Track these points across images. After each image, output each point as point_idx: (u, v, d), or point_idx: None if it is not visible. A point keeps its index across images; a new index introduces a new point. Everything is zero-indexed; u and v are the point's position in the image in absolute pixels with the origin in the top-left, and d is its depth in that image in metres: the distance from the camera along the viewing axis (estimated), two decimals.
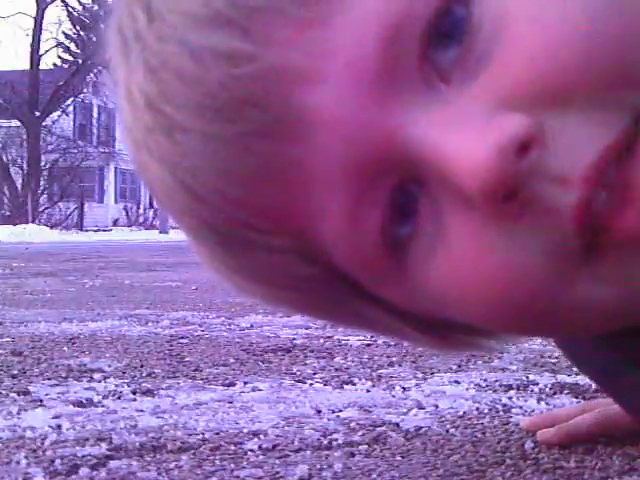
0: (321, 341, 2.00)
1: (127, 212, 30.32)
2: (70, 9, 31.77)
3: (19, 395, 1.35)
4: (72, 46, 34.68)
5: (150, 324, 2.37)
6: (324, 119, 0.42)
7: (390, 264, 0.45)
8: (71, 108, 28.82)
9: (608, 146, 0.40)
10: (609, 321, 0.46)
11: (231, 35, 0.42)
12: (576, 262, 0.42)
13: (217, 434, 1.09)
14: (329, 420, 1.16)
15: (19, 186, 25.39)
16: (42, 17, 27.27)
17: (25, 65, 27.65)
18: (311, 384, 1.45)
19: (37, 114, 25.73)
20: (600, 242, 0.41)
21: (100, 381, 1.48)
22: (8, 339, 2.05)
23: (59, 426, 1.13)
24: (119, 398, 1.33)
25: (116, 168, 31.09)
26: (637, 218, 0.40)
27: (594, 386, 1.39)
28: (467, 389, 1.38)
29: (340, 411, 1.22)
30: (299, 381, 1.48)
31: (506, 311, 0.44)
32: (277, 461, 0.96)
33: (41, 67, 27.71)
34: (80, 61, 29.69)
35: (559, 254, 0.42)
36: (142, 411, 1.23)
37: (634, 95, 0.40)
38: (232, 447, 1.02)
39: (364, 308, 0.51)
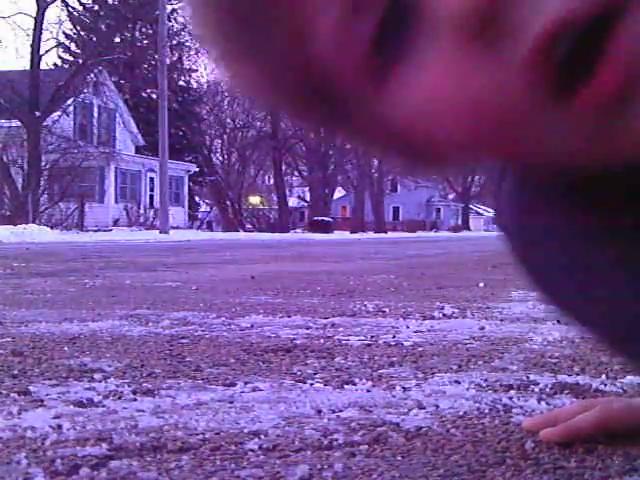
0: (321, 341, 2.00)
1: (127, 212, 30.32)
2: (70, 9, 31.79)
3: (20, 395, 1.35)
4: (72, 46, 34.69)
5: (150, 324, 2.37)
6: None
7: (375, 77, 0.50)
8: (71, 108, 28.83)
9: (572, 12, 0.43)
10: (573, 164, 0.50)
11: None
12: (543, 102, 0.46)
13: (217, 434, 1.09)
14: (329, 420, 1.16)
15: (19, 186, 25.39)
16: (42, 17, 27.27)
17: (25, 65, 27.67)
18: (311, 384, 1.45)
19: (37, 114, 25.73)
20: (569, 92, 0.45)
21: (100, 381, 1.48)
22: (8, 339, 2.05)
23: (60, 426, 1.13)
24: (119, 398, 1.33)
25: (116, 168, 31.09)
26: (610, 81, 0.44)
27: (594, 386, 1.40)
28: (467, 389, 1.38)
29: (340, 411, 1.22)
30: (299, 381, 1.48)
31: (474, 134, 0.49)
32: (277, 461, 0.97)
33: (41, 67, 27.71)
34: (80, 61, 29.69)
35: (525, 89, 0.46)
36: (142, 411, 1.23)
37: None
38: (232, 447, 1.02)
39: (348, 121, 0.55)
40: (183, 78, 39.24)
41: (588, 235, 0.66)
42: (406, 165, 0.60)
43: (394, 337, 2.06)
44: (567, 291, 0.73)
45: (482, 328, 2.24)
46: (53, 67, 32.33)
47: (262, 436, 1.07)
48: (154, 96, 32.32)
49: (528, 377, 1.48)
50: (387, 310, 2.74)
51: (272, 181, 42.59)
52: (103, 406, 1.27)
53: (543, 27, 0.43)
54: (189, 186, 37.63)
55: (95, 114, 31.38)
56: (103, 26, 33.02)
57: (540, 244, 0.71)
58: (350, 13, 0.48)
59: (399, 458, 0.97)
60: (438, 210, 61.94)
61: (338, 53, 0.50)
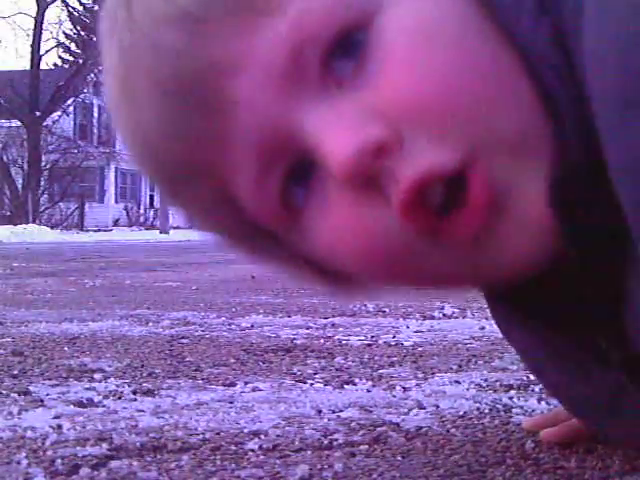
0: (321, 341, 2.00)
1: (128, 212, 30.32)
2: (70, 9, 31.77)
3: (20, 395, 1.35)
4: (72, 46, 34.68)
5: (151, 324, 2.37)
6: (242, 103, 0.56)
7: (289, 221, 0.60)
8: (72, 108, 28.82)
9: (438, 166, 0.54)
10: (465, 284, 0.67)
11: (182, 36, 0.56)
12: (419, 240, 0.56)
13: (218, 434, 1.09)
14: (330, 420, 1.16)
15: (20, 186, 25.39)
16: (42, 17, 27.28)
17: (25, 65, 27.67)
18: (312, 384, 1.45)
19: (38, 114, 25.73)
20: (441, 225, 0.56)
21: (101, 381, 1.48)
22: (9, 339, 2.05)
23: (60, 426, 1.13)
24: (120, 398, 1.33)
25: (117, 168, 31.09)
26: (464, 223, 0.55)
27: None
28: (468, 389, 1.38)
29: (341, 411, 1.22)
30: (300, 381, 1.48)
31: (366, 268, 0.60)
32: (278, 461, 0.97)
33: (42, 67, 27.72)
34: (81, 61, 29.69)
35: (403, 233, 0.56)
36: (143, 411, 1.23)
37: (474, 133, 0.54)
38: (233, 447, 1.02)
39: (275, 251, 0.66)
40: None
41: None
42: (331, 290, 0.71)
43: (394, 337, 2.06)
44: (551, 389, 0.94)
45: (482, 328, 2.24)
46: (53, 67, 32.31)
47: (262, 436, 1.07)
48: None
49: (528, 377, 1.48)
50: (387, 310, 2.74)
51: None
52: (103, 406, 1.27)
53: (413, 179, 0.54)
54: None
55: (95, 114, 31.35)
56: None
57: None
58: (260, 173, 0.59)
59: (399, 458, 0.97)
60: None
61: (256, 204, 0.60)
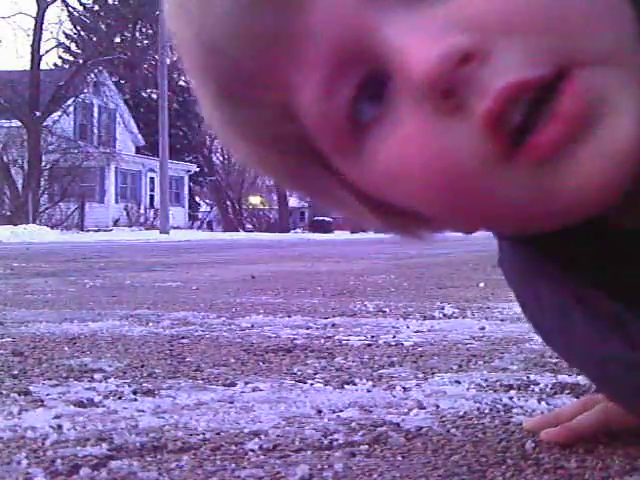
0: (322, 341, 2.00)
1: (128, 212, 30.32)
2: (70, 9, 31.77)
3: (20, 395, 1.35)
4: (73, 46, 34.68)
5: (151, 324, 2.37)
6: (321, 2, 0.54)
7: (352, 139, 0.57)
8: (72, 108, 28.83)
9: (529, 77, 0.51)
10: (527, 220, 0.58)
11: None
12: (494, 160, 0.53)
13: (218, 434, 1.09)
14: (330, 420, 1.16)
15: (20, 186, 25.40)
16: (43, 17, 27.27)
17: (26, 65, 27.67)
18: (312, 384, 1.45)
19: (38, 114, 25.73)
20: (517, 150, 0.52)
21: (101, 381, 1.48)
22: (9, 339, 2.05)
23: (60, 426, 1.13)
24: (120, 398, 1.33)
25: (117, 168, 31.09)
26: (547, 139, 0.52)
27: (594, 386, 1.39)
28: (468, 389, 1.38)
29: (341, 411, 1.22)
30: (300, 381, 1.48)
31: (432, 192, 0.56)
32: (278, 461, 0.96)
33: (42, 67, 27.71)
34: (80, 61, 29.69)
35: (480, 151, 0.53)
36: (143, 411, 1.23)
37: (565, 47, 0.51)
38: (233, 447, 1.02)
39: (330, 183, 0.62)
40: (183, 78, 39.22)
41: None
42: (385, 226, 0.66)
43: (394, 337, 2.06)
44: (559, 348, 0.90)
45: (482, 328, 2.24)
46: (53, 67, 32.32)
47: (262, 436, 1.07)
48: (154, 96, 32.31)
49: (528, 377, 1.48)
50: (387, 310, 2.74)
51: (272, 181, 42.58)
52: (103, 406, 1.27)
53: (502, 88, 0.51)
54: (189, 186, 37.64)
55: (95, 114, 31.37)
56: (103, 26, 33.02)
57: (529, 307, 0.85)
58: (331, 81, 0.55)
59: (399, 458, 0.97)
60: None
61: (322, 119, 0.57)
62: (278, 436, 1.08)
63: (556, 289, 0.78)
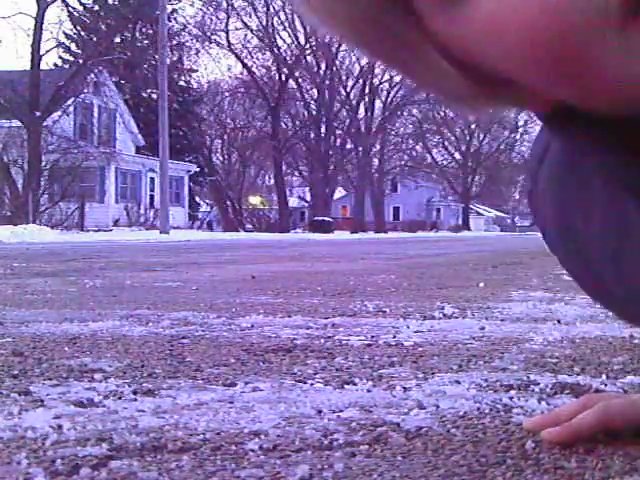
0: (322, 341, 2.00)
1: (128, 212, 30.33)
2: (70, 9, 31.78)
3: (20, 395, 1.35)
4: (72, 46, 34.69)
5: (151, 324, 2.37)
6: None
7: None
8: (72, 108, 28.84)
9: None
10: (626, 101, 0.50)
11: None
12: (614, 22, 0.46)
13: (218, 434, 1.09)
14: (330, 420, 1.16)
15: (20, 186, 25.40)
16: (43, 17, 27.26)
17: (26, 65, 27.66)
18: (312, 384, 1.45)
19: (38, 114, 25.73)
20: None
21: (101, 381, 1.48)
22: (9, 339, 2.05)
23: (60, 426, 1.13)
24: (120, 398, 1.33)
25: (117, 168, 31.10)
26: None
27: (594, 386, 1.39)
28: (468, 389, 1.38)
29: (341, 411, 1.22)
30: (300, 381, 1.48)
31: (544, 51, 0.48)
32: (278, 461, 0.96)
33: (42, 67, 27.70)
34: (81, 61, 29.69)
35: (599, 7, 0.45)
36: (143, 411, 1.23)
37: None
38: (233, 447, 1.02)
39: (418, 40, 0.53)
40: (183, 78, 39.23)
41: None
42: (467, 95, 0.56)
43: (394, 337, 2.06)
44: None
45: (482, 328, 2.24)
46: (53, 67, 32.32)
47: (262, 436, 1.07)
48: (154, 96, 32.30)
49: (528, 377, 1.48)
50: (387, 310, 2.74)
51: (272, 181, 42.61)
52: (103, 406, 1.27)
53: None
54: (189, 186, 37.64)
55: (95, 114, 31.39)
56: (103, 26, 33.02)
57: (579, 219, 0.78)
58: None
59: (399, 458, 0.97)
60: (438, 210, 61.92)
61: None
62: (278, 436, 1.08)
63: (613, 182, 0.70)
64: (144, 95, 36.27)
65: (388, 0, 0.52)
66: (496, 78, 0.53)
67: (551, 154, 0.79)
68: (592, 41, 0.47)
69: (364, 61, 39.15)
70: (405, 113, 47.70)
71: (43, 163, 26.25)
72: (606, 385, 1.39)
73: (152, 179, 32.75)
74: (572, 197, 0.79)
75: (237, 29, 40.49)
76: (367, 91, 44.57)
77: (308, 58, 42.00)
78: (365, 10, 0.52)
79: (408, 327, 2.28)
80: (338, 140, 43.46)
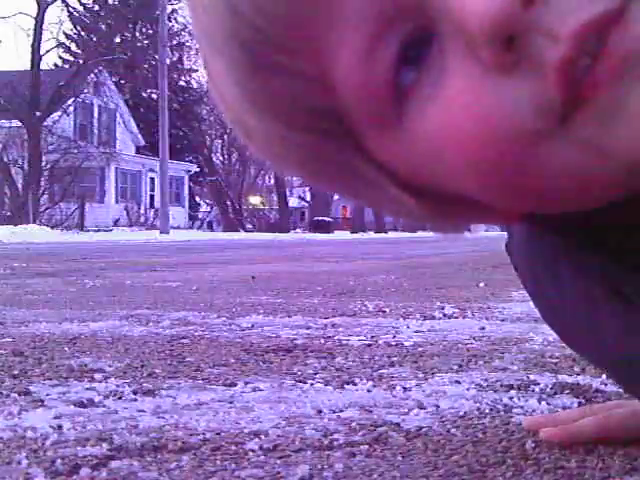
0: (322, 341, 2.00)
1: (128, 212, 30.33)
2: (71, 9, 31.78)
3: (20, 395, 1.35)
4: (73, 46, 34.69)
5: (151, 324, 2.37)
6: None
7: (392, 107, 0.50)
8: (72, 108, 28.83)
9: (599, 14, 0.44)
10: (580, 194, 0.50)
11: None
12: (554, 121, 0.46)
13: (218, 434, 1.09)
14: (330, 420, 1.16)
15: (20, 186, 25.40)
16: (43, 17, 27.27)
17: (26, 65, 27.67)
18: (312, 384, 1.45)
19: (38, 114, 25.74)
20: (577, 102, 0.46)
21: (101, 381, 1.48)
22: (9, 339, 2.05)
23: (60, 426, 1.13)
24: (120, 398, 1.33)
25: (117, 168, 31.10)
26: (608, 81, 0.45)
27: (594, 386, 1.39)
28: (468, 389, 1.38)
29: (341, 411, 1.22)
30: (300, 381, 1.48)
31: (486, 161, 0.48)
32: (278, 461, 0.97)
33: (42, 67, 27.72)
34: (81, 61, 29.70)
35: (540, 109, 0.46)
36: (143, 411, 1.23)
37: None
38: (233, 447, 1.02)
39: (364, 168, 0.55)
40: (183, 78, 39.25)
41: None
42: (422, 215, 0.58)
43: (394, 337, 2.06)
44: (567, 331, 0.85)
45: (482, 328, 2.24)
46: (53, 67, 32.33)
47: (262, 436, 1.07)
48: (154, 96, 32.31)
49: (528, 377, 1.48)
50: (387, 310, 2.74)
51: (272, 181, 42.61)
52: (103, 406, 1.27)
53: (573, 34, 0.44)
54: (189, 186, 37.65)
55: (95, 114, 31.38)
56: (103, 26, 33.03)
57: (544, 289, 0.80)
58: (373, 41, 0.48)
59: (399, 458, 0.97)
60: None
61: (362, 84, 0.50)
62: (278, 436, 1.08)
63: (580, 272, 0.73)
64: (144, 95, 36.27)
65: (339, 138, 0.53)
66: (448, 196, 0.54)
67: (517, 228, 0.80)
68: (537, 140, 0.47)
69: None
70: None
71: (43, 163, 26.26)
72: (606, 385, 1.39)
73: (152, 179, 32.75)
74: (542, 271, 0.79)
75: None
76: None
77: None
78: (320, 150, 0.54)
79: (408, 327, 2.28)
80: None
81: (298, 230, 37.26)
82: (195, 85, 40.48)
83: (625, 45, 0.44)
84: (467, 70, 0.47)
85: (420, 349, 1.86)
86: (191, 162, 37.12)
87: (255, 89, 0.53)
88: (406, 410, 1.22)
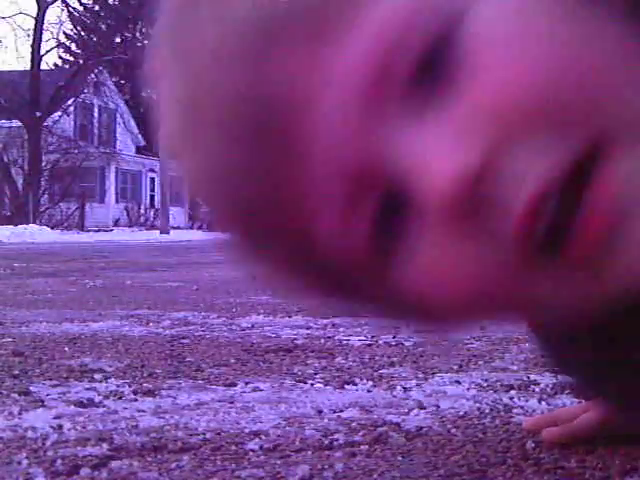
0: (322, 341, 2.00)
1: (128, 212, 30.32)
2: (71, 9, 31.77)
3: (20, 395, 1.35)
4: (73, 46, 34.69)
5: (151, 324, 2.37)
6: (322, 136, 0.49)
7: (376, 261, 0.52)
8: (72, 108, 28.82)
9: (553, 176, 0.46)
10: (562, 314, 0.54)
11: (243, 74, 0.50)
12: (527, 272, 0.49)
13: (218, 434, 1.09)
14: (330, 420, 1.16)
15: (20, 186, 25.40)
16: (43, 17, 27.27)
17: (26, 65, 27.66)
18: (312, 384, 1.45)
19: (38, 114, 25.73)
20: (550, 256, 0.48)
21: (101, 381, 1.48)
22: (9, 339, 2.05)
23: (60, 426, 1.13)
24: (120, 398, 1.33)
25: (117, 168, 31.09)
26: (585, 240, 0.47)
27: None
28: (468, 389, 1.38)
29: (341, 411, 1.22)
30: (300, 381, 1.48)
31: (464, 308, 0.52)
32: (278, 461, 0.97)
33: (42, 67, 27.70)
34: (81, 61, 29.70)
35: (509, 265, 0.49)
36: (143, 411, 1.23)
37: (582, 134, 0.46)
38: (233, 447, 1.02)
39: (358, 294, 0.58)
40: None
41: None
42: (416, 326, 0.65)
43: (394, 337, 2.06)
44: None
45: (482, 328, 2.24)
46: (53, 67, 32.33)
47: (263, 436, 1.07)
48: (154, 96, 32.20)
49: (529, 377, 1.48)
50: None
51: None
52: (104, 406, 1.27)
53: (525, 203, 0.46)
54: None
55: (95, 114, 31.37)
56: (103, 26, 33.03)
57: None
58: (347, 212, 0.51)
59: (400, 458, 0.97)
60: None
61: (339, 245, 0.53)
62: (278, 436, 1.08)
63: None
64: (144, 95, 36.19)
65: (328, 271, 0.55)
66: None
67: None
68: (517, 286, 0.50)
69: None
70: None
71: (43, 163, 26.25)
72: None
73: (152, 179, 32.74)
74: None
75: None
76: None
77: None
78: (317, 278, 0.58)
79: (408, 327, 2.27)
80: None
81: None
82: None
83: (608, 198, 0.46)
84: (439, 231, 0.49)
85: (420, 349, 1.86)
86: None
87: (236, 240, 0.58)
88: (406, 410, 1.22)
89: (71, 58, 34.08)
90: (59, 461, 0.96)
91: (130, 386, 1.43)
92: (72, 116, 29.36)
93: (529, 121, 0.47)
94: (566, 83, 0.46)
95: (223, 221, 0.58)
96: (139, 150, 34.33)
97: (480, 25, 0.48)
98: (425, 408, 1.23)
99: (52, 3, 28.30)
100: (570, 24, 0.48)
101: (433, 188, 0.47)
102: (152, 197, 32.85)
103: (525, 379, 1.46)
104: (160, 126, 0.57)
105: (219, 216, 0.57)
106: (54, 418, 1.19)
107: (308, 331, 2.20)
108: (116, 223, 29.02)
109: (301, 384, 1.45)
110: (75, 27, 33.51)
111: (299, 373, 1.56)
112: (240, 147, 0.51)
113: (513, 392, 1.35)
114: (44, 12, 27.26)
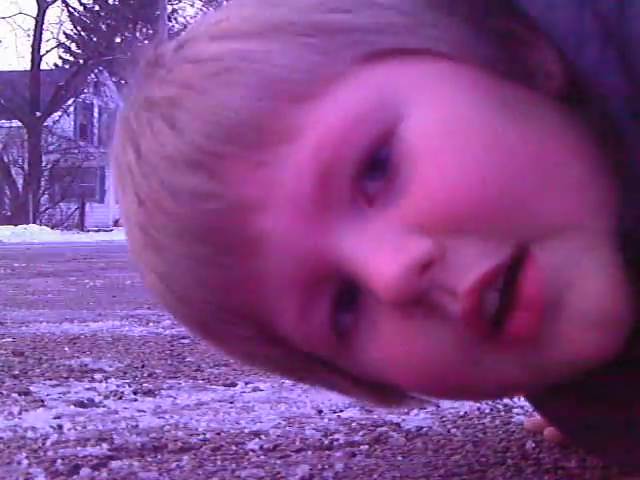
0: None
1: None
2: (71, 9, 31.77)
3: (20, 395, 1.35)
4: (73, 46, 34.67)
5: (151, 324, 2.37)
6: (273, 240, 0.53)
7: (338, 346, 0.57)
8: (72, 108, 28.82)
9: (491, 268, 0.51)
10: (521, 388, 0.65)
11: (199, 177, 0.53)
12: (478, 348, 0.54)
13: (218, 434, 1.09)
14: (330, 420, 1.16)
15: (20, 186, 25.40)
16: (43, 17, 27.29)
17: (26, 65, 27.68)
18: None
19: (38, 114, 25.74)
20: (497, 333, 0.53)
21: (101, 381, 1.48)
22: (9, 339, 2.05)
23: (60, 426, 1.13)
24: (120, 398, 1.33)
25: None
26: (518, 326, 0.52)
27: None
28: None
29: (341, 411, 1.22)
30: None
31: (425, 385, 0.58)
32: (278, 461, 0.96)
33: (42, 67, 27.71)
34: (81, 61, 29.69)
35: (460, 343, 0.54)
36: (143, 411, 1.23)
37: (519, 228, 0.52)
38: (233, 447, 1.02)
39: (325, 375, 0.65)
40: None
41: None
42: (382, 403, 0.74)
43: None
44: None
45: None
46: (54, 67, 32.31)
47: (263, 436, 1.07)
48: None
49: None
50: None
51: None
52: (104, 406, 1.27)
53: (469, 286, 0.51)
54: None
55: (95, 114, 31.36)
56: (103, 26, 33.02)
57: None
58: (304, 307, 0.56)
59: (400, 458, 0.97)
60: None
61: (302, 336, 0.58)
62: (279, 436, 1.08)
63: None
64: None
65: (295, 356, 0.63)
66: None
67: None
68: (466, 364, 0.55)
69: None
70: None
71: (43, 163, 26.25)
72: None
73: None
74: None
75: None
76: None
77: None
78: (284, 364, 0.66)
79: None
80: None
81: None
82: None
83: (534, 290, 0.51)
84: (391, 318, 0.54)
85: None
86: None
87: (214, 344, 0.66)
88: (406, 410, 1.22)
89: (71, 58, 34.04)
90: (59, 461, 0.96)
91: (130, 386, 1.43)
92: (72, 116, 29.36)
93: (462, 223, 0.51)
94: (488, 192, 0.51)
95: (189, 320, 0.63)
96: None
97: (412, 140, 0.52)
98: (425, 408, 1.23)
99: (52, 3, 28.32)
100: (492, 132, 0.53)
101: (377, 288, 0.51)
102: None
103: None
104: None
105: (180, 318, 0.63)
106: (54, 418, 1.18)
107: None
108: (116, 223, 28.98)
109: (301, 384, 1.45)
110: (75, 27, 33.48)
111: None
112: (198, 254, 0.55)
113: None
114: (44, 12, 27.28)
